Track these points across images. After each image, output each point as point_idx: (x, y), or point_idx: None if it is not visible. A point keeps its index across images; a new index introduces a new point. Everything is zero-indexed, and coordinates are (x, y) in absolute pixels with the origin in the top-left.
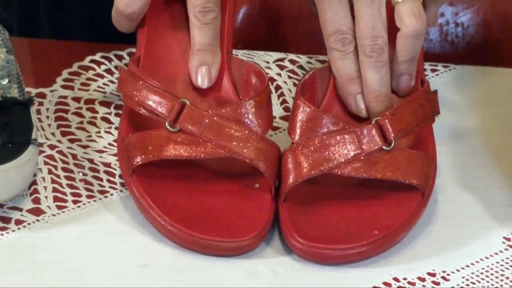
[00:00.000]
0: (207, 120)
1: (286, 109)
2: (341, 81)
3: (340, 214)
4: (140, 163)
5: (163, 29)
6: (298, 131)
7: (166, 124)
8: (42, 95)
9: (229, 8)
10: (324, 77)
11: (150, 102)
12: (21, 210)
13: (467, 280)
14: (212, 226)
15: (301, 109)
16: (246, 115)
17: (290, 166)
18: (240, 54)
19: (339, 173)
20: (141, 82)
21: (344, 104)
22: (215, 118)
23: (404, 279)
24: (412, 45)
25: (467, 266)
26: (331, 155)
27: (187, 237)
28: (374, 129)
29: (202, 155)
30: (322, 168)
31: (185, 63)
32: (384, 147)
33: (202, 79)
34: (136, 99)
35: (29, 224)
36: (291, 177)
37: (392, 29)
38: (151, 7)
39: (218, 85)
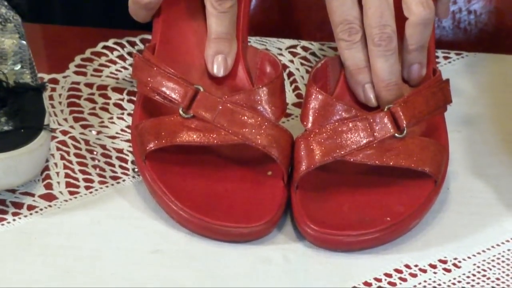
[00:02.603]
0: (220, 107)
1: (298, 95)
2: (349, 71)
3: (352, 201)
4: (153, 148)
5: (179, 18)
6: (310, 118)
7: (180, 110)
8: (55, 81)
9: None
10: (336, 66)
11: (164, 88)
12: (33, 195)
13: (479, 267)
14: (224, 212)
15: (313, 96)
16: (259, 102)
17: (302, 153)
18: (253, 40)
19: (352, 160)
20: (155, 69)
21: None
22: (228, 104)
23: (416, 266)
24: (421, 33)
25: (479, 253)
26: (344, 142)
27: (199, 222)
28: (386, 117)
29: (215, 141)
30: (334, 155)
31: (201, 52)
32: (396, 134)
33: (218, 68)
34: (150, 85)
35: (41, 209)
36: (303, 163)
37: (401, 18)
38: (166, 15)
39: (233, 73)
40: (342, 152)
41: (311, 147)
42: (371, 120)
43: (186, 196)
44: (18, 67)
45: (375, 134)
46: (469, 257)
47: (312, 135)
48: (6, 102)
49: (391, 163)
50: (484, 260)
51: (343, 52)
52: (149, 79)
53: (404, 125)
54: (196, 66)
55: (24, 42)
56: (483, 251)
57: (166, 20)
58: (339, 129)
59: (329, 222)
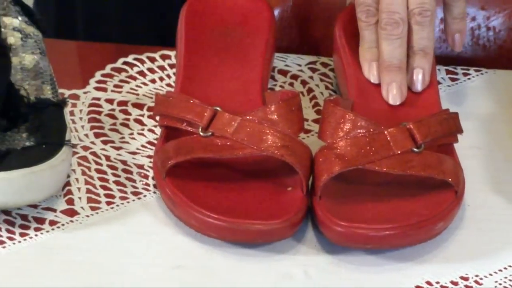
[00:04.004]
0: (238, 123)
1: (318, 112)
2: (362, 48)
3: (375, 209)
4: (173, 162)
5: (202, 53)
6: (329, 133)
7: (199, 130)
8: (76, 97)
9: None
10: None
11: (183, 113)
12: (55, 211)
13: (500, 284)
14: (244, 213)
15: (331, 111)
16: (276, 118)
17: (323, 164)
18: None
19: (374, 168)
20: (174, 98)
21: (374, 105)
22: (246, 120)
23: (437, 282)
24: (420, 31)
25: (500, 270)
26: (364, 153)
27: (220, 224)
28: (403, 132)
29: (233, 155)
30: (355, 163)
31: (223, 86)
32: (414, 149)
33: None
34: (170, 113)
35: (63, 225)
36: (324, 172)
37: None
38: (190, 31)
39: (251, 105)
40: (364, 161)
41: (332, 158)
42: (389, 135)
43: (207, 204)
44: (39, 82)
45: (393, 148)
46: (490, 274)
47: (331, 148)
48: (27, 118)
49: (412, 172)
50: (505, 278)
51: (360, 31)
52: (169, 108)
53: (421, 141)
54: (217, 101)
55: (45, 58)
56: (505, 268)
57: (188, 55)
58: (359, 142)
59: (356, 219)
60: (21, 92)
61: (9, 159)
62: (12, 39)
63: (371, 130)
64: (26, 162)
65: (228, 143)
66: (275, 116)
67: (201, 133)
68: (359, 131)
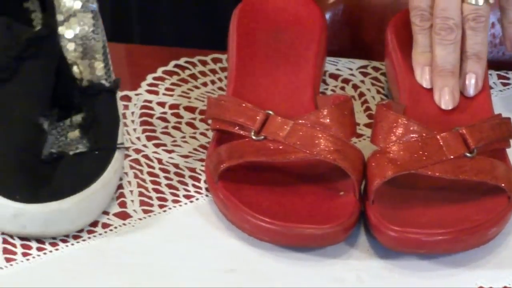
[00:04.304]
0: (290, 127)
1: (370, 116)
2: (415, 51)
3: (428, 214)
4: (226, 166)
5: (254, 57)
6: (381, 138)
7: (251, 133)
8: (127, 98)
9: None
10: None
11: (235, 117)
12: (107, 213)
13: None
14: (297, 217)
15: (383, 115)
16: (328, 122)
17: (376, 168)
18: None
19: (427, 173)
20: (226, 101)
21: (426, 109)
22: (298, 124)
23: None
24: (474, 37)
25: None
26: (417, 157)
27: (273, 229)
28: (456, 137)
29: (286, 159)
30: (408, 167)
31: (274, 90)
32: (466, 154)
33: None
34: (222, 117)
35: (115, 227)
36: (377, 177)
37: None
38: (242, 35)
39: (303, 110)
40: (417, 165)
41: (384, 162)
42: (442, 139)
43: (260, 207)
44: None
45: (446, 152)
46: None
47: (384, 152)
48: (80, 108)
49: (465, 177)
50: None
51: (414, 34)
52: (221, 112)
53: (473, 146)
54: (266, 99)
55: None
56: None
57: (241, 61)
58: (411, 146)
59: (409, 224)
60: (74, 69)
61: (60, 178)
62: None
63: (424, 134)
64: (78, 182)
65: (281, 147)
66: (328, 120)
67: (254, 137)
68: (411, 135)
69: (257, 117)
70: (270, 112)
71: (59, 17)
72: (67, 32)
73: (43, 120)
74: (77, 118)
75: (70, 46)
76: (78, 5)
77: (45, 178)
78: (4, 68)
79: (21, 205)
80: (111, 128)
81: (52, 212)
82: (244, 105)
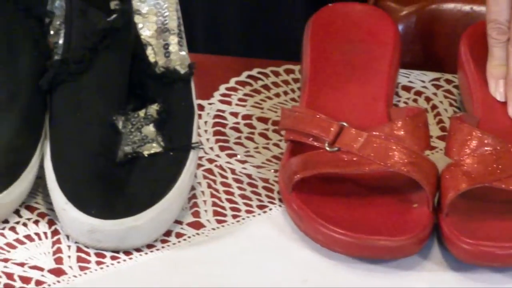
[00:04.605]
0: (364, 138)
1: (442, 129)
2: (490, 65)
3: (502, 227)
4: (300, 177)
5: (328, 68)
6: (455, 150)
7: (325, 144)
8: (201, 107)
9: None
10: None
11: (309, 128)
12: (181, 223)
13: None
14: (371, 228)
15: (457, 128)
16: (403, 134)
17: (450, 181)
18: None
19: (503, 186)
20: (301, 113)
21: (500, 122)
22: (372, 136)
23: None
24: None
25: None
26: (492, 170)
27: (348, 240)
28: None
29: (360, 170)
30: (482, 180)
31: (348, 101)
32: None
33: None
34: (296, 128)
35: (189, 237)
36: (451, 189)
37: None
38: (316, 46)
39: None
40: (491, 178)
41: (459, 175)
42: None
43: (333, 218)
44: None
45: None
46: None
47: (458, 165)
48: (154, 99)
49: None
50: None
51: (490, 47)
52: (295, 123)
53: None
54: (340, 110)
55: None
56: None
57: (314, 73)
58: (486, 159)
59: (483, 237)
60: (148, 52)
61: (135, 187)
62: None
63: (498, 147)
64: (154, 192)
65: (355, 159)
66: (402, 133)
67: (328, 148)
68: (485, 148)
69: (331, 129)
70: (344, 123)
71: None
72: (141, 6)
73: (118, 118)
74: (151, 110)
75: (144, 23)
76: None
77: (120, 185)
78: (79, 61)
79: (97, 221)
80: (186, 122)
81: (128, 228)
82: (318, 116)
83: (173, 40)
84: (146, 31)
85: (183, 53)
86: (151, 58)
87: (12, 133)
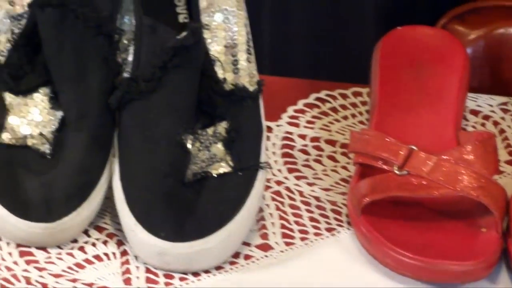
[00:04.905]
0: (434, 162)
1: (510, 153)
2: None
3: None
4: (368, 200)
5: (396, 91)
6: None
7: (394, 168)
8: (269, 129)
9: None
10: None
11: (378, 151)
12: (249, 245)
13: None
14: (439, 252)
15: None
16: (472, 159)
17: None
18: None
19: None
20: (370, 136)
21: None
22: (441, 160)
23: None
24: None
25: None
26: None
27: (417, 264)
28: None
29: (429, 194)
30: None
31: (417, 124)
32: None
33: None
34: (366, 151)
35: (257, 259)
36: None
37: None
38: (385, 69)
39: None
40: None
41: None
42: None
43: (403, 242)
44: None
45: None
46: None
47: None
48: (223, 116)
49: None
50: None
51: None
52: (364, 146)
53: None
54: (409, 133)
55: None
56: None
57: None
58: None
59: None
60: (216, 67)
61: (204, 208)
62: None
63: None
64: (223, 214)
65: (424, 182)
66: (471, 157)
67: (397, 172)
68: None
69: (401, 152)
70: (414, 147)
71: (202, 3)
72: (210, 21)
73: (187, 137)
74: (220, 128)
75: (213, 39)
76: None
77: (189, 207)
78: (148, 79)
79: (166, 244)
80: (254, 141)
81: (197, 251)
82: (388, 139)
83: (242, 56)
84: (214, 47)
85: (252, 70)
86: (220, 74)
87: (82, 153)
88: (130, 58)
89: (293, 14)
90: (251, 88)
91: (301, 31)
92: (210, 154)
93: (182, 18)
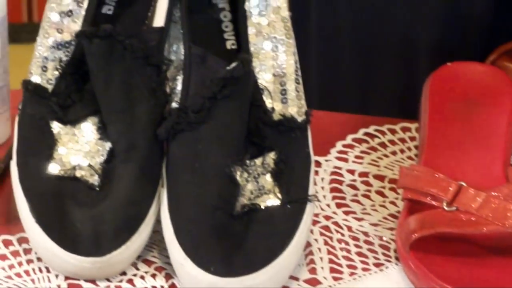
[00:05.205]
0: (483, 199)
1: None
2: None
3: None
4: (417, 236)
5: (446, 127)
6: None
7: (443, 204)
8: (317, 164)
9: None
10: None
11: (428, 187)
12: (297, 279)
13: None
14: None
15: None
16: None
17: None
18: None
19: None
20: (419, 172)
21: None
22: (490, 197)
23: None
24: None
25: None
26: None
27: None
28: None
29: (478, 230)
30: None
31: (466, 160)
32: None
33: None
34: (415, 187)
35: None
36: None
37: None
38: (434, 105)
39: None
40: None
41: None
42: None
43: (451, 278)
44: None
45: None
46: None
47: None
48: (272, 148)
49: None
50: None
51: None
52: (414, 182)
53: None
54: (457, 169)
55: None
56: None
57: (432, 126)
58: None
59: None
60: (265, 97)
61: (253, 242)
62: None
63: None
64: (272, 248)
65: (473, 219)
66: None
67: (446, 208)
68: None
69: (450, 188)
70: (463, 183)
71: (251, 31)
72: (259, 49)
73: (236, 169)
74: (269, 159)
75: (261, 67)
76: (264, 21)
77: (238, 240)
78: (197, 110)
79: (216, 279)
80: (303, 173)
81: (246, 286)
82: (437, 175)
83: (291, 85)
84: (263, 75)
85: (301, 100)
86: (268, 104)
87: (131, 185)
88: (179, 87)
89: (342, 48)
90: (300, 119)
91: (349, 65)
92: (259, 186)
93: (229, 45)
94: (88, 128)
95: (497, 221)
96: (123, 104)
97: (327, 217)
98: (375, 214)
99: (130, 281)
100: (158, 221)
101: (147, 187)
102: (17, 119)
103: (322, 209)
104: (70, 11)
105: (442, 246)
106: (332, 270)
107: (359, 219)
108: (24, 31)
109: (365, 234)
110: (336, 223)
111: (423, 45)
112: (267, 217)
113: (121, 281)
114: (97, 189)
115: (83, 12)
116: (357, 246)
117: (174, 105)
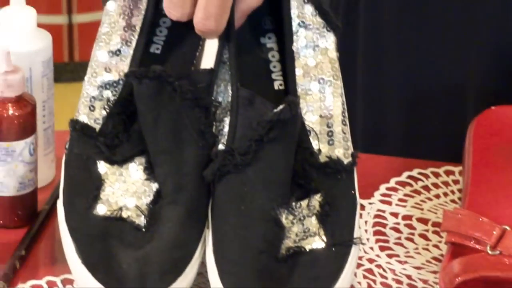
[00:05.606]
0: None
1: None
2: None
3: None
4: (461, 279)
5: (490, 171)
6: None
7: (487, 247)
8: (361, 207)
9: None
10: None
11: (472, 231)
12: None
13: None
14: None
15: None
16: None
17: None
18: None
19: None
20: (463, 215)
21: None
22: None
23: None
24: None
25: None
26: None
27: None
28: None
29: None
30: None
31: (510, 205)
32: None
33: None
34: (458, 230)
35: None
36: None
37: None
38: (478, 149)
39: None
40: None
41: None
42: None
43: None
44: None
45: None
46: None
47: None
48: (318, 190)
49: None
50: None
51: None
52: (457, 225)
53: None
54: (503, 213)
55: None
56: None
57: (477, 167)
58: None
59: None
60: (311, 138)
61: (297, 285)
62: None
63: None
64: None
65: None
66: None
67: (489, 252)
68: None
69: (494, 232)
70: (507, 227)
71: (298, 72)
72: (305, 90)
73: (281, 212)
74: (314, 201)
75: (308, 108)
76: (312, 62)
77: (282, 284)
78: (244, 152)
79: None
80: (349, 216)
81: None
82: (480, 219)
83: (337, 127)
84: (310, 117)
85: (347, 141)
86: (314, 145)
87: (177, 227)
88: (226, 129)
89: (387, 91)
90: (346, 161)
91: (394, 107)
92: (304, 228)
93: (277, 85)
94: (135, 169)
95: None
96: (171, 145)
97: (371, 260)
98: (418, 257)
99: None
100: (203, 263)
101: (193, 229)
102: (64, 158)
103: (365, 252)
104: (119, 50)
105: None
106: None
107: (402, 262)
108: (65, 70)
109: (408, 277)
110: (379, 266)
111: (467, 88)
112: (312, 260)
113: None
114: (143, 230)
115: (131, 52)
116: None
117: (221, 147)
